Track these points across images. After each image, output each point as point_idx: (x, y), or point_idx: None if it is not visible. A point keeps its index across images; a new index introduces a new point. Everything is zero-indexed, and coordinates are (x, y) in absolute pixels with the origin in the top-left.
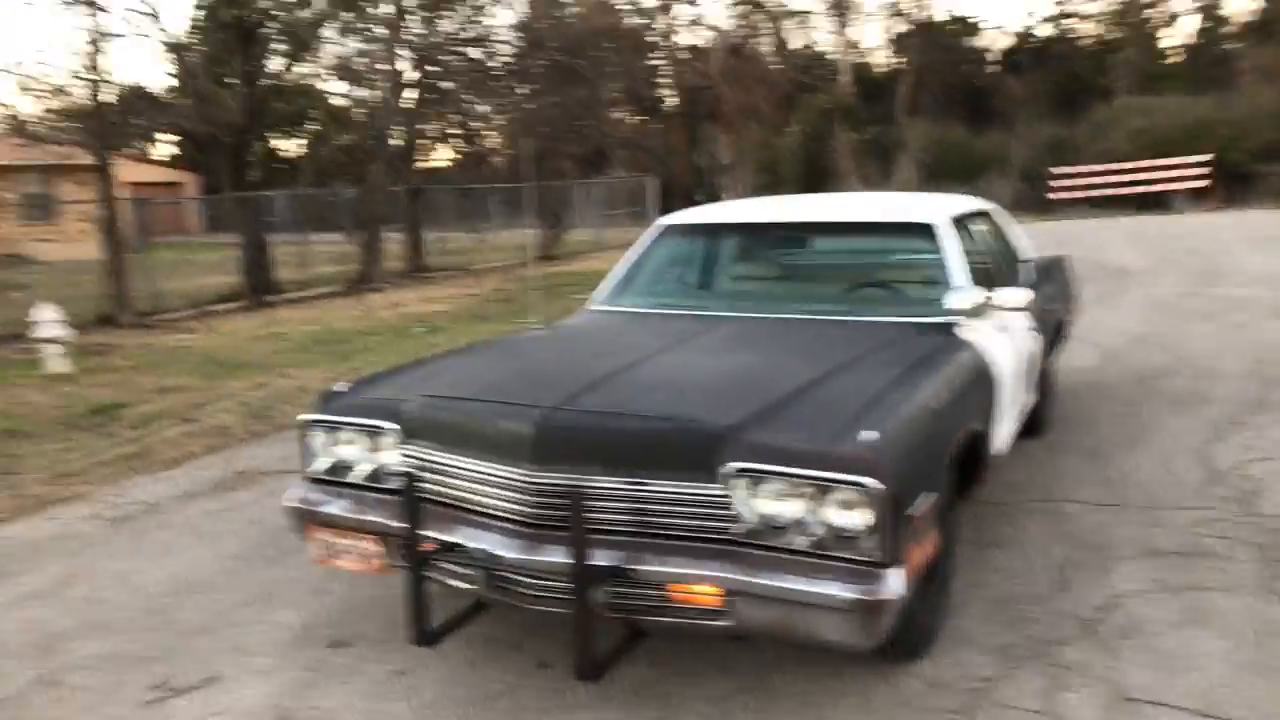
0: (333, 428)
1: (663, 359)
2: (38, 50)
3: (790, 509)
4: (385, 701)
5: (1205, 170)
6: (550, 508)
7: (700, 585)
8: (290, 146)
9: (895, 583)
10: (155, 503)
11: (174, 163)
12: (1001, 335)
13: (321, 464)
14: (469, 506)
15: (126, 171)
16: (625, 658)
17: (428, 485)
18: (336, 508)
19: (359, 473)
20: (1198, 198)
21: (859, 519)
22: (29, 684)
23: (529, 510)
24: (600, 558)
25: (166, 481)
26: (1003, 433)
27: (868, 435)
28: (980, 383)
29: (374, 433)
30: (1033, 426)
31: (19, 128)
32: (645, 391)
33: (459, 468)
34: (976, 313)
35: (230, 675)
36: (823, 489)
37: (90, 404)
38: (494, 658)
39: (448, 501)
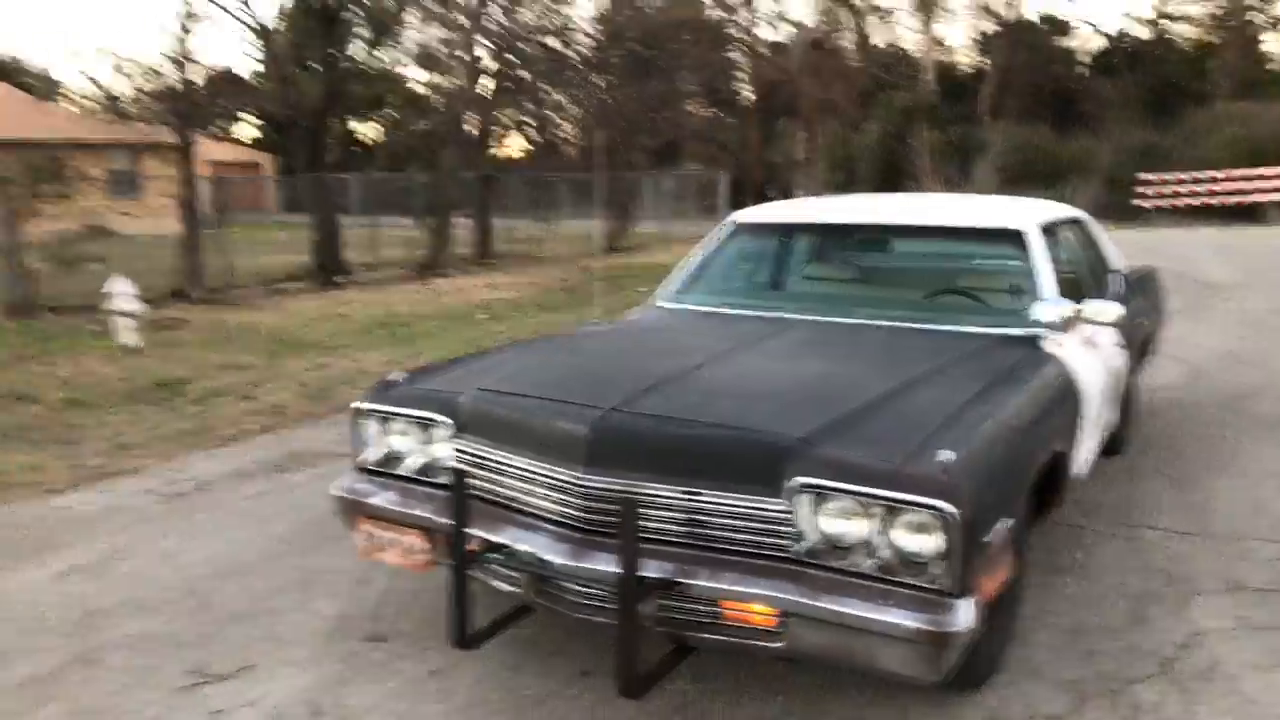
0: (385, 418)
1: (729, 362)
2: (131, 31)
3: (857, 529)
4: (418, 702)
5: None
6: (602, 513)
7: (755, 604)
8: (368, 131)
9: (965, 614)
10: (209, 480)
11: (254, 144)
12: (1089, 350)
13: (372, 454)
14: (519, 507)
15: (207, 150)
16: (670, 674)
17: (478, 482)
18: (384, 499)
19: (410, 465)
20: None
21: (930, 544)
22: (66, 662)
23: (579, 515)
24: (650, 568)
25: (222, 459)
26: (1084, 454)
27: (944, 455)
28: (1065, 401)
29: (427, 425)
30: (1113, 446)
31: (111, 106)
32: (709, 397)
33: (511, 466)
34: (1064, 326)
35: (264, 665)
36: (893, 510)
37: (155, 377)
38: (534, 662)
39: (498, 500)
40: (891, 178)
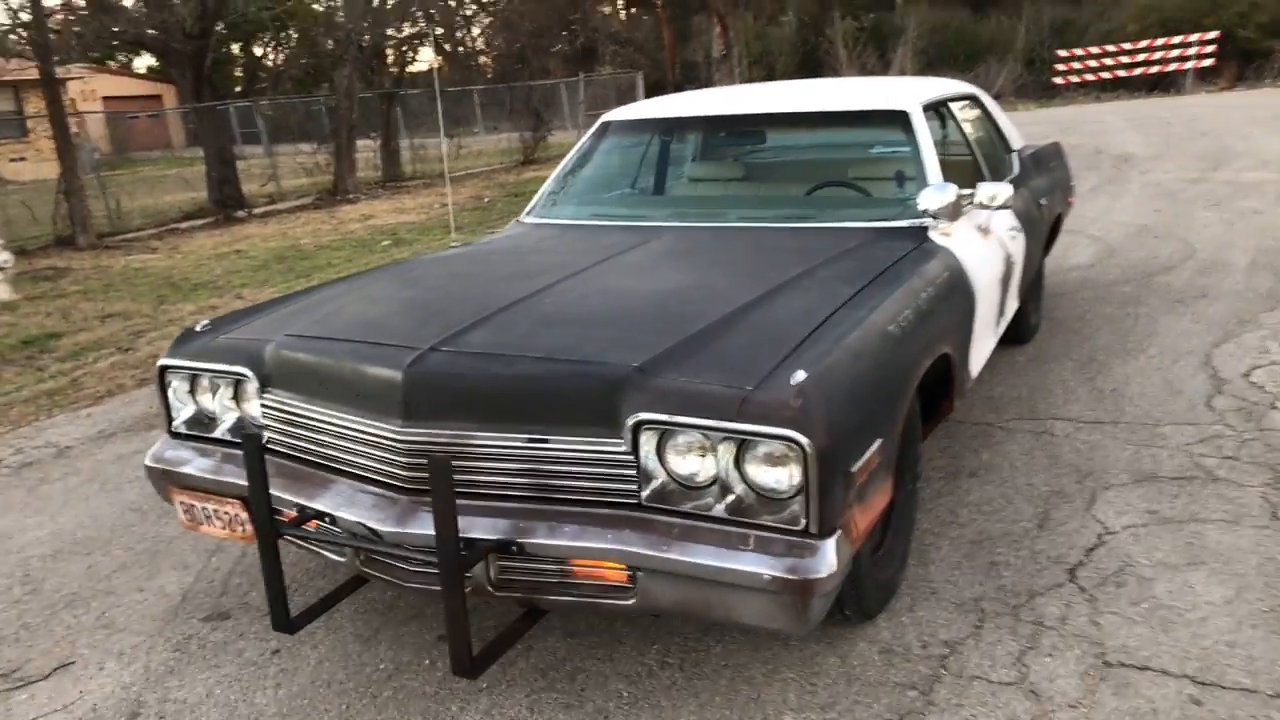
0: (190, 375)
1: (579, 283)
2: None
3: (706, 467)
4: (252, 690)
5: (1213, 48)
6: (423, 469)
7: (598, 560)
8: (272, 55)
9: (828, 557)
10: (67, 445)
11: (153, 74)
12: (983, 238)
13: (182, 416)
14: (340, 468)
15: (102, 85)
16: (517, 643)
17: (292, 441)
18: (197, 467)
19: (225, 427)
20: (1206, 77)
21: (787, 478)
22: None
23: (403, 474)
24: (482, 528)
25: (86, 421)
26: (980, 352)
27: (798, 376)
28: (954, 296)
29: (231, 380)
30: (1018, 333)
31: None
32: (545, 326)
33: (325, 422)
34: (953, 212)
35: (88, 659)
36: (745, 443)
37: (23, 335)
38: (389, 629)
39: (316, 461)
40: (812, 69)
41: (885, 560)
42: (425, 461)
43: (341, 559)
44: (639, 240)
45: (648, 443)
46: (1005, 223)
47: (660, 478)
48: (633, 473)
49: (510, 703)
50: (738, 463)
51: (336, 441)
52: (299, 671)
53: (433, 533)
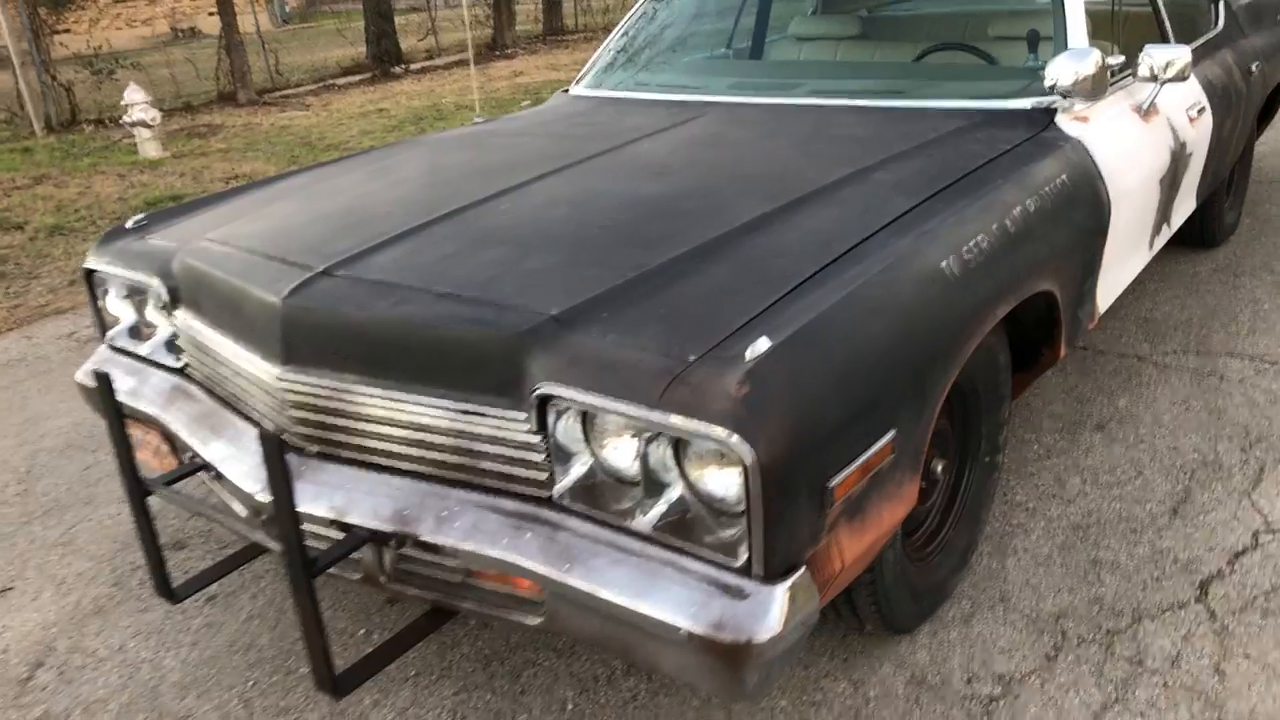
0: (118, 280)
1: (556, 182)
2: None
3: (637, 458)
4: (165, 647)
5: None
6: (311, 426)
7: (488, 568)
8: None
9: (772, 612)
10: None
11: None
12: (1142, 123)
13: (120, 326)
14: (242, 410)
15: None
16: (404, 654)
17: (204, 371)
18: (123, 386)
19: (154, 342)
20: None
21: (731, 486)
22: None
23: (289, 430)
24: (365, 513)
25: None
26: (1117, 279)
27: (756, 346)
28: (1073, 209)
29: (145, 291)
30: (1205, 235)
31: None
32: (472, 247)
33: (222, 355)
34: (1094, 88)
35: (28, 584)
36: (675, 437)
37: (151, 194)
38: (330, 588)
39: (222, 399)
40: None
41: (936, 560)
42: (310, 416)
43: (234, 525)
44: (673, 122)
45: (560, 424)
46: (1183, 99)
47: (577, 470)
48: (542, 458)
49: (433, 700)
50: (678, 457)
51: (235, 379)
52: (225, 627)
53: (311, 508)
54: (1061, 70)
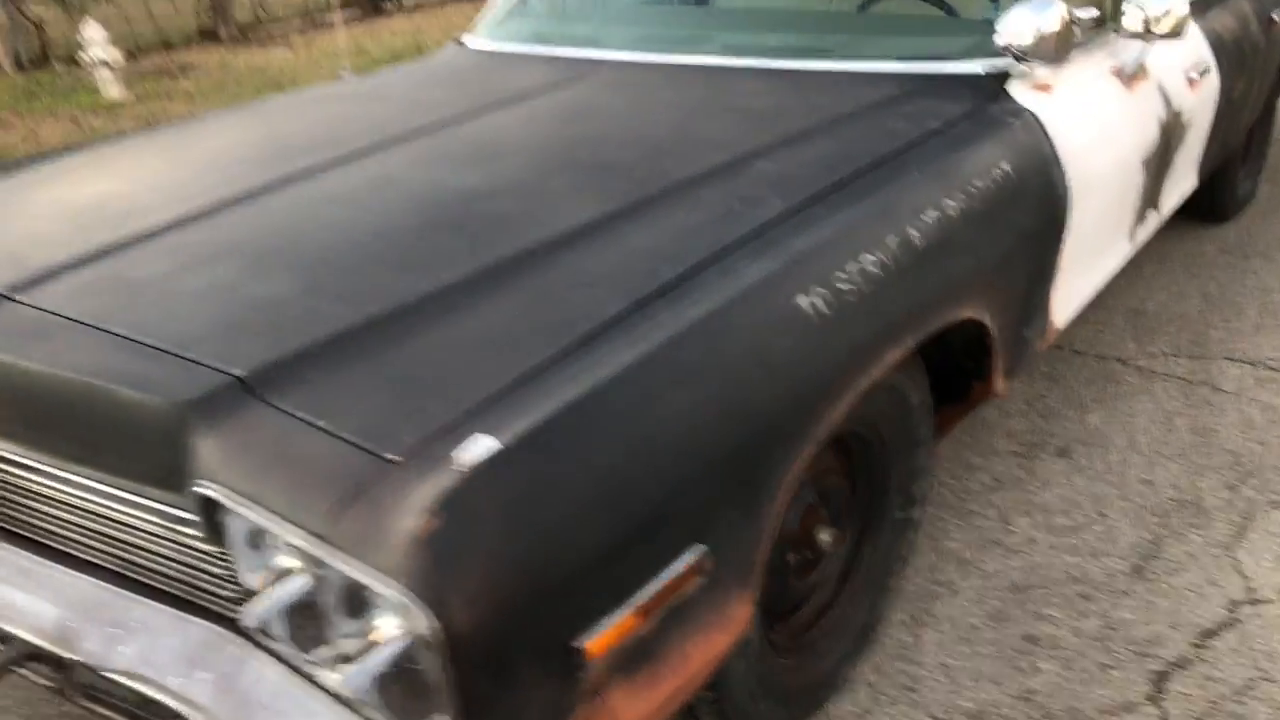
0: None
1: (350, 172)
2: None
3: (311, 597)
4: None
5: None
6: None
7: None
8: None
9: None
10: None
11: None
12: (1124, 89)
13: None
14: None
15: None
16: None
17: None
18: None
19: None
20: None
21: (423, 658)
22: None
23: None
24: (26, 620)
25: None
26: (1077, 288)
27: (474, 447)
28: (1015, 207)
29: None
30: (1214, 208)
31: None
32: (190, 267)
33: None
34: (1057, 48)
35: None
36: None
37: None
38: None
39: None
40: None
41: (823, 646)
42: None
43: None
44: (548, 85)
45: (236, 528)
46: (1181, 58)
47: (265, 597)
48: (224, 572)
49: None
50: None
51: None
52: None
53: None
54: (1017, 26)
